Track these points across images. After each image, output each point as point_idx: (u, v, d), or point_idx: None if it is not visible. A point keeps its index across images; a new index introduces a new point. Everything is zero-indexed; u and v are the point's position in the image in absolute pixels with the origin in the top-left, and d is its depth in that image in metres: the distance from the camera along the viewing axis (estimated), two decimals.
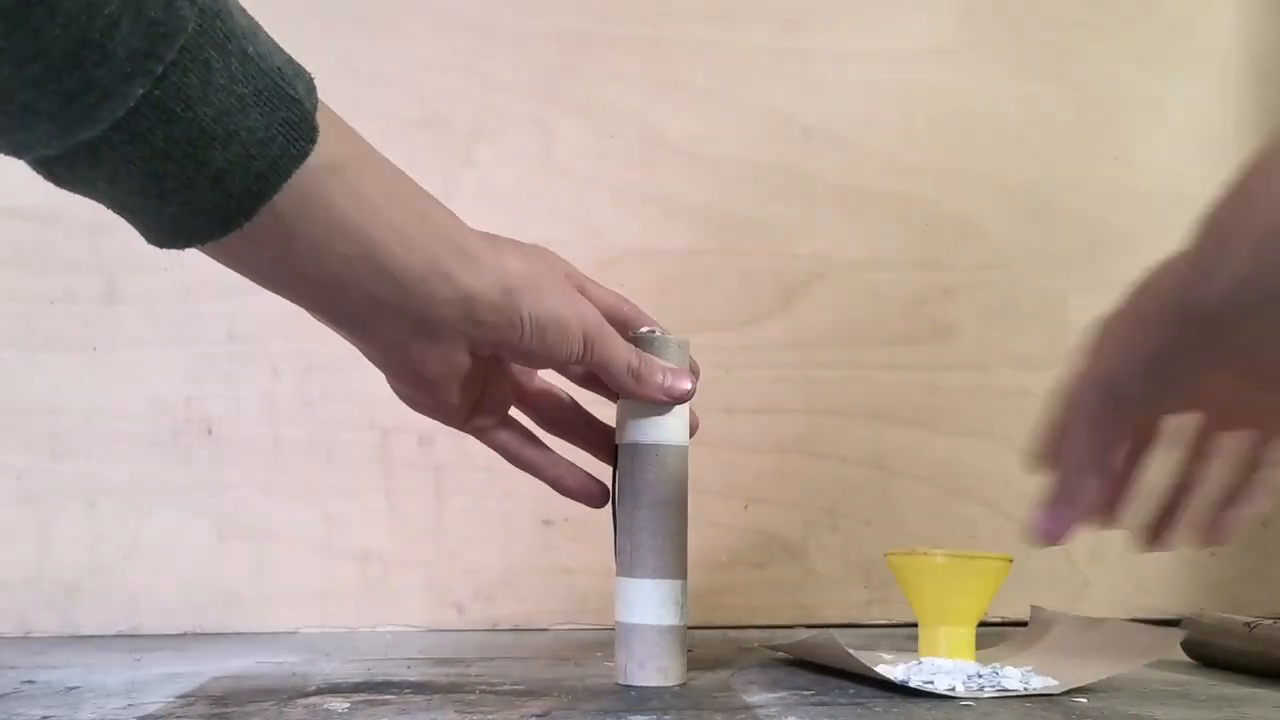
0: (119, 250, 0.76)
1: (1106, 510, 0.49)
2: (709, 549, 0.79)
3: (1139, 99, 0.84)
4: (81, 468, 0.75)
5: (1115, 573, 0.81)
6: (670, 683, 0.52)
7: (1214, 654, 0.59)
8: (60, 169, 0.36)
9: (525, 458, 0.54)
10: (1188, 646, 0.60)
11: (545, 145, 0.80)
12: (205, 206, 0.37)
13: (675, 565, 0.52)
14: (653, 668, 0.52)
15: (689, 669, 0.57)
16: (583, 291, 0.51)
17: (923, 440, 0.81)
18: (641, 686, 0.52)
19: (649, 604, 0.52)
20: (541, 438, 0.55)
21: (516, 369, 0.54)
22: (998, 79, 0.83)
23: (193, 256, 0.74)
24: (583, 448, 0.56)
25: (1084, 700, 0.49)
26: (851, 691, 0.51)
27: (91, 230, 0.76)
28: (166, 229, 0.38)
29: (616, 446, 0.53)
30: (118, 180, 0.36)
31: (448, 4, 0.80)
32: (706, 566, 0.78)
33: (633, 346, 0.51)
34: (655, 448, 0.53)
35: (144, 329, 0.76)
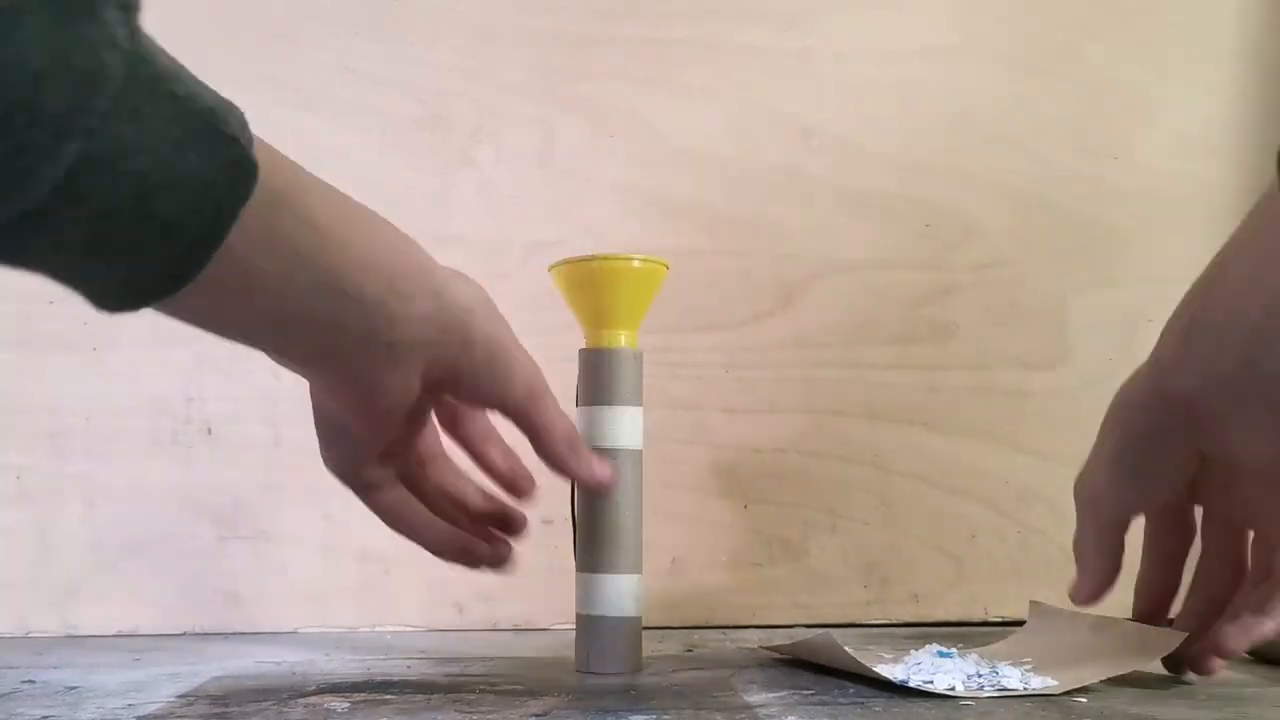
0: None
1: (1149, 610, 0.57)
2: (709, 549, 0.79)
3: (1139, 99, 0.84)
4: (81, 468, 0.75)
5: None
6: (629, 670, 0.55)
7: (1261, 647, 0.60)
8: (3, 243, 0.34)
9: (404, 519, 0.54)
10: None
11: (545, 145, 0.80)
12: (156, 261, 0.36)
13: (632, 560, 0.56)
14: (614, 657, 0.55)
15: (689, 669, 0.57)
16: None
17: (923, 440, 0.81)
18: (641, 685, 0.52)
19: (608, 597, 0.55)
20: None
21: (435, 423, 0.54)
22: (998, 79, 0.83)
23: None
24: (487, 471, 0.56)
25: (1084, 700, 0.49)
26: (851, 691, 0.51)
27: None
28: (116, 291, 0.37)
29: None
30: (63, 247, 0.34)
31: (448, 4, 0.80)
32: (706, 566, 0.78)
33: (569, 419, 0.51)
34: (612, 452, 0.55)
35: (144, 329, 0.76)
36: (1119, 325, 0.82)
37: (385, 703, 0.49)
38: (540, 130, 0.80)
